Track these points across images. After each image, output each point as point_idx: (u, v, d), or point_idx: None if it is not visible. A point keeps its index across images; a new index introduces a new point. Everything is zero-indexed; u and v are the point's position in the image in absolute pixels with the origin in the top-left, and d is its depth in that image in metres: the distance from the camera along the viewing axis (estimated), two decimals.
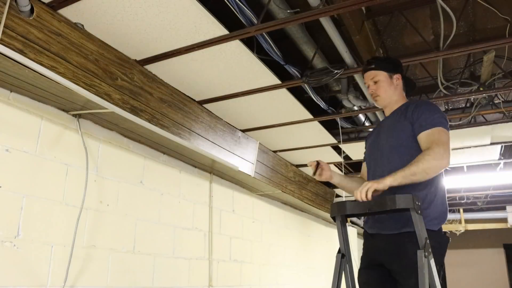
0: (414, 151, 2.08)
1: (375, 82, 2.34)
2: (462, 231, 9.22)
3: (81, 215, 2.72)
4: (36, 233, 2.47)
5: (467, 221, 9.30)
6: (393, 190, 1.92)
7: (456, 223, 9.27)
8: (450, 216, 9.23)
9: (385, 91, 2.33)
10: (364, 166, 2.49)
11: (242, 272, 4.58)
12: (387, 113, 2.39)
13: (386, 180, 1.91)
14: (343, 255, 2.01)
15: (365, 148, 2.50)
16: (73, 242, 2.64)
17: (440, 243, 2.02)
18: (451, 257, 10.52)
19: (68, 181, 2.72)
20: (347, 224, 2.13)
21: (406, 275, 1.92)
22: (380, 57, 2.52)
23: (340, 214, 2.02)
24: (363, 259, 2.28)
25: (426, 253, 1.73)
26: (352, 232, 8.14)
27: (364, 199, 1.88)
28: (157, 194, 3.48)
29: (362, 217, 8.92)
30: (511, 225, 8.73)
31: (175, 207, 3.68)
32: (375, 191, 1.89)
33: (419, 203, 1.81)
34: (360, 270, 2.25)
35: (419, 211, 1.79)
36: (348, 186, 2.44)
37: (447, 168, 2.08)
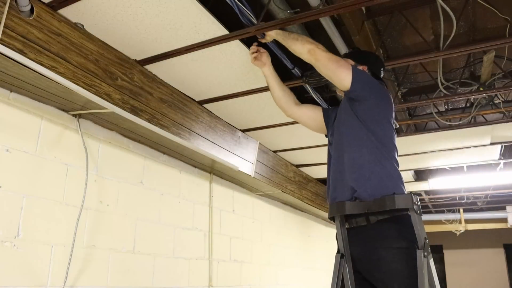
0: (357, 125, 2.19)
1: None
2: (462, 231, 9.23)
3: (81, 215, 2.72)
4: (36, 233, 2.47)
5: (467, 221, 9.31)
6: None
7: (456, 223, 9.28)
8: (450, 216, 9.24)
9: None
10: (312, 108, 2.72)
11: (242, 272, 4.58)
12: None
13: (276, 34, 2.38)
14: (342, 255, 2.01)
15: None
16: (73, 242, 2.64)
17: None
18: (451, 257, 10.56)
19: (68, 181, 2.72)
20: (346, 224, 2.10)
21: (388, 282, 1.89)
22: (356, 48, 2.63)
23: (341, 215, 2.02)
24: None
25: (426, 253, 1.72)
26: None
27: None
28: (157, 194, 3.48)
29: None
30: (511, 225, 8.74)
31: (175, 207, 3.68)
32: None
33: (419, 203, 1.80)
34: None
35: (419, 211, 1.79)
36: (275, 87, 2.72)
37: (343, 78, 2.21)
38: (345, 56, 2.44)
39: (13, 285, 2.31)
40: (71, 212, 2.69)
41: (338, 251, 2.03)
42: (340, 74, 2.20)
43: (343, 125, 2.30)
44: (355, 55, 2.44)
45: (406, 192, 1.94)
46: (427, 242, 1.76)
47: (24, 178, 2.45)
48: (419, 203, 1.80)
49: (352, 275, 2.02)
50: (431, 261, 1.76)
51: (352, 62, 2.36)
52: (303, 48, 2.30)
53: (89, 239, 2.80)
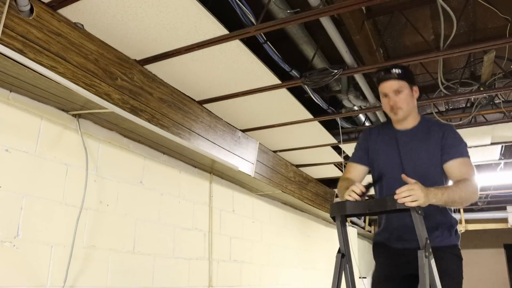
0: (439, 175, 2.11)
1: (397, 93, 2.13)
2: (463, 231, 9.21)
3: (81, 215, 2.72)
4: (36, 233, 2.47)
5: (468, 221, 9.30)
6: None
7: None
8: None
9: (408, 104, 2.15)
10: (354, 167, 2.34)
11: (242, 272, 4.57)
12: (402, 126, 2.24)
13: (429, 194, 1.79)
14: (343, 254, 1.99)
15: (360, 149, 2.37)
16: (73, 242, 2.64)
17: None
18: None
19: (68, 181, 2.72)
20: (347, 224, 2.11)
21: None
22: (403, 66, 2.27)
23: (340, 214, 1.99)
24: (383, 270, 2.29)
25: (427, 253, 1.72)
26: (352, 232, 8.14)
27: (402, 201, 1.78)
28: (157, 194, 3.47)
29: (362, 217, 8.92)
30: (511, 225, 8.73)
31: (175, 207, 3.68)
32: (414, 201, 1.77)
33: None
34: (380, 283, 2.27)
35: (420, 211, 1.76)
36: None
37: None
38: (400, 78, 2.14)
39: (13, 285, 2.30)
40: (71, 212, 2.69)
41: (339, 251, 2.00)
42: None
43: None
44: (409, 76, 2.19)
45: None
46: (428, 242, 1.75)
47: (24, 178, 2.45)
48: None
49: (353, 275, 2.02)
50: (433, 262, 1.75)
51: (407, 85, 2.15)
52: (461, 205, 2.01)
53: (89, 239, 2.80)
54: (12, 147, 2.40)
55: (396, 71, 2.15)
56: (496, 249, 10.45)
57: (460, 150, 2.09)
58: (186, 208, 3.81)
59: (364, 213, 1.94)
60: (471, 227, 9.28)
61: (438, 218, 2.13)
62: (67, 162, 2.73)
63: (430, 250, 1.75)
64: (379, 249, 2.35)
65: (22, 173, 2.44)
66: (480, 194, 7.92)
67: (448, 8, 2.77)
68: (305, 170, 5.87)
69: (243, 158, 4.27)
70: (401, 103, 2.13)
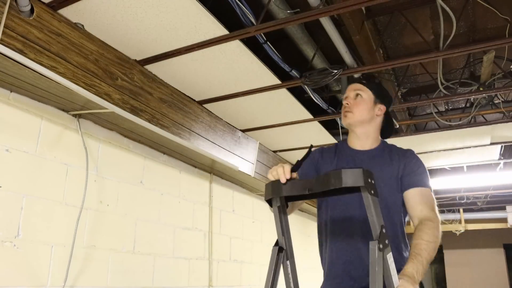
0: (399, 202, 1.84)
1: (356, 96, 1.96)
2: (462, 231, 9.22)
3: (81, 215, 2.72)
4: (36, 233, 2.47)
5: (467, 221, 9.30)
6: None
7: (456, 223, 9.27)
8: (450, 216, 9.24)
9: (361, 112, 1.93)
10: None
11: (242, 272, 4.58)
12: (359, 145, 1.98)
13: (416, 281, 1.51)
14: (281, 248, 1.63)
15: (307, 164, 1.96)
16: (73, 242, 2.64)
17: None
18: (451, 257, 10.55)
19: (68, 181, 2.72)
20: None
21: None
22: (377, 81, 2.11)
23: (277, 197, 1.60)
24: None
25: (381, 245, 1.34)
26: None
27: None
28: (157, 194, 3.48)
29: None
30: (511, 225, 8.73)
31: (175, 207, 3.68)
32: None
33: (373, 181, 1.40)
34: None
35: (373, 191, 1.38)
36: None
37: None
38: (366, 85, 1.98)
39: (13, 285, 2.30)
40: (71, 212, 2.69)
41: (276, 244, 1.64)
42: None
43: None
44: (377, 90, 2.00)
45: None
46: (383, 231, 1.36)
47: (24, 178, 2.45)
48: (373, 181, 1.40)
49: (296, 274, 1.66)
50: (389, 257, 1.37)
51: (373, 97, 1.96)
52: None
53: (89, 239, 2.80)
54: (12, 147, 2.40)
55: (366, 78, 2.05)
56: (496, 249, 10.44)
57: (422, 179, 1.83)
58: (186, 208, 3.82)
59: (305, 194, 1.53)
60: (471, 227, 9.29)
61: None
62: (67, 162, 2.73)
63: (386, 241, 1.37)
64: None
65: (22, 173, 2.45)
66: (480, 194, 7.93)
67: (447, 8, 2.78)
68: None
69: (243, 158, 4.27)
70: (354, 106, 1.94)
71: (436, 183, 6.76)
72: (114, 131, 3.09)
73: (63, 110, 2.73)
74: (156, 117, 3.12)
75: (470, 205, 8.85)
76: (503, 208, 8.84)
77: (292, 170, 1.59)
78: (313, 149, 1.82)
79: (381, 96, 1.99)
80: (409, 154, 1.90)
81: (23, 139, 2.47)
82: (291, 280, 1.64)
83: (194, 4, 2.43)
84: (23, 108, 2.50)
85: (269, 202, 1.66)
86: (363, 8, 3.03)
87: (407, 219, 1.92)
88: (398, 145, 2.03)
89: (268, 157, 4.86)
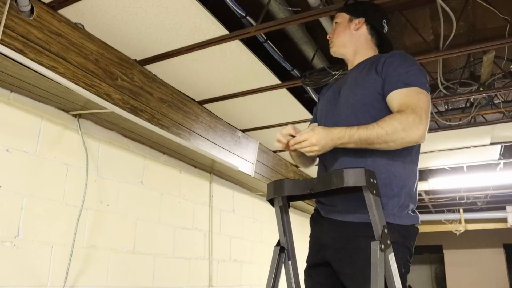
0: (378, 113, 1.61)
1: (334, 25, 1.91)
2: (462, 231, 9.22)
3: (81, 215, 2.72)
4: (36, 233, 2.47)
5: (467, 221, 9.30)
6: (344, 163, 1.53)
7: (456, 223, 9.27)
8: (450, 216, 9.24)
9: (338, 36, 1.87)
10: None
11: (242, 272, 4.58)
12: (349, 66, 1.89)
13: (328, 137, 1.47)
14: (283, 248, 1.62)
15: (317, 105, 2.01)
16: (73, 242, 2.64)
17: (406, 236, 1.56)
18: (451, 256, 10.55)
19: (68, 181, 2.72)
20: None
21: (358, 282, 1.47)
22: (356, 0, 2.01)
23: (278, 197, 1.59)
24: (309, 254, 1.88)
25: (383, 246, 1.32)
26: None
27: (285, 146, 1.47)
28: (157, 194, 3.48)
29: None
30: (511, 225, 8.73)
31: (175, 207, 3.68)
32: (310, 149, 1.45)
33: (375, 181, 1.38)
34: (305, 271, 1.85)
35: (375, 191, 1.36)
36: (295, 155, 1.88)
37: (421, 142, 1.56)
38: (340, 10, 1.94)
39: (13, 285, 2.31)
40: (71, 212, 2.69)
41: (278, 244, 1.64)
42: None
43: None
44: (351, 8, 1.92)
45: None
46: (385, 232, 1.35)
47: (24, 178, 2.45)
48: (376, 180, 1.38)
49: (298, 275, 1.65)
50: (391, 257, 1.35)
51: (347, 16, 1.89)
52: (386, 145, 1.51)
53: (89, 239, 2.80)
54: (12, 147, 2.41)
55: (345, 5, 1.97)
56: (496, 249, 10.44)
57: (407, 78, 1.59)
58: (186, 208, 3.82)
59: (306, 194, 1.51)
60: (471, 227, 9.29)
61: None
62: (67, 162, 2.73)
63: (388, 241, 1.34)
64: (312, 220, 1.95)
65: (22, 173, 2.45)
66: (480, 194, 7.93)
67: (447, 9, 2.78)
68: (305, 170, 5.87)
69: (243, 158, 4.27)
70: (333, 35, 1.89)
71: (436, 183, 6.76)
72: (114, 131, 3.09)
73: (63, 110, 2.73)
74: (156, 117, 3.12)
75: (470, 205, 8.85)
76: (503, 208, 8.84)
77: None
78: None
79: (357, 11, 1.90)
80: (393, 53, 1.71)
81: (23, 139, 2.47)
82: (292, 280, 1.62)
83: (194, 4, 2.43)
84: (23, 108, 2.50)
85: (271, 201, 1.64)
86: None
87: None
88: None
89: (268, 157, 4.86)
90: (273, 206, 1.64)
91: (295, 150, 1.60)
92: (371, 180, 1.36)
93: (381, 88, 1.63)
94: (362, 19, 1.86)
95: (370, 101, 1.64)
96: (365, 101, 1.64)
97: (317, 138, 1.46)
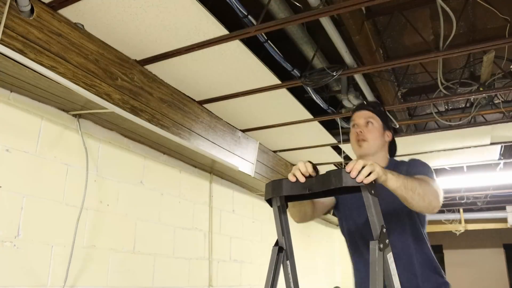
0: (404, 214, 1.86)
1: (367, 124, 2.02)
2: (462, 231, 9.22)
3: (81, 215, 2.72)
4: (36, 233, 2.47)
5: (467, 221, 9.30)
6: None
7: (456, 223, 9.27)
8: (450, 216, 9.24)
9: (375, 139, 2.01)
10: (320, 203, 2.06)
11: (242, 272, 4.58)
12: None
13: (387, 173, 1.51)
14: (281, 248, 1.64)
15: (338, 208, 2.12)
16: (73, 242, 2.64)
17: None
18: (451, 257, 10.54)
19: (68, 181, 2.72)
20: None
21: None
22: (380, 105, 2.24)
23: (276, 196, 1.61)
24: None
25: (382, 245, 1.34)
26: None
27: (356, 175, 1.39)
28: (157, 194, 3.48)
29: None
30: (511, 225, 8.74)
31: (175, 207, 3.68)
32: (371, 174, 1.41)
33: (374, 181, 1.42)
34: None
35: (373, 191, 1.39)
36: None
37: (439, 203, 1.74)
38: (374, 112, 2.06)
39: (13, 285, 2.30)
40: (71, 212, 2.69)
41: (276, 243, 1.66)
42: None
43: None
44: (384, 117, 2.10)
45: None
46: (384, 231, 1.37)
47: (24, 178, 2.45)
48: (374, 181, 1.41)
49: (296, 275, 1.67)
50: (390, 256, 1.38)
51: (382, 125, 2.06)
52: (420, 200, 1.64)
53: (89, 239, 2.80)
54: (12, 147, 2.40)
55: (373, 105, 2.11)
56: (496, 249, 10.45)
57: (420, 171, 1.83)
58: (186, 208, 3.82)
59: (304, 194, 1.53)
60: (471, 227, 9.29)
61: (419, 258, 1.87)
62: (67, 162, 2.73)
63: (387, 241, 1.37)
64: None
65: (22, 173, 2.45)
66: (480, 194, 7.93)
67: (447, 9, 2.78)
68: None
69: (243, 158, 4.27)
70: (368, 134, 1.99)
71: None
72: (114, 131, 3.09)
73: (63, 110, 2.73)
74: (156, 117, 3.12)
75: (470, 205, 8.85)
76: (503, 208, 8.84)
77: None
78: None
79: (386, 121, 2.09)
80: (410, 160, 1.98)
81: (23, 139, 2.47)
82: (291, 280, 1.64)
83: (194, 4, 2.43)
84: (23, 108, 2.50)
85: (269, 201, 1.65)
86: (363, 8, 3.02)
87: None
88: (398, 144, 2.18)
89: (268, 157, 4.86)
90: (271, 206, 1.65)
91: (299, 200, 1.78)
92: (372, 183, 1.39)
93: None
94: (391, 134, 2.10)
95: (400, 206, 1.72)
96: (397, 207, 1.76)
97: (371, 162, 1.45)
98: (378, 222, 1.37)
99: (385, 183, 1.52)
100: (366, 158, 1.82)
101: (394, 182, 1.53)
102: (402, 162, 2.02)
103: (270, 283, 1.55)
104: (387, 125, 2.08)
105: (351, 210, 2.01)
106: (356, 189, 1.39)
